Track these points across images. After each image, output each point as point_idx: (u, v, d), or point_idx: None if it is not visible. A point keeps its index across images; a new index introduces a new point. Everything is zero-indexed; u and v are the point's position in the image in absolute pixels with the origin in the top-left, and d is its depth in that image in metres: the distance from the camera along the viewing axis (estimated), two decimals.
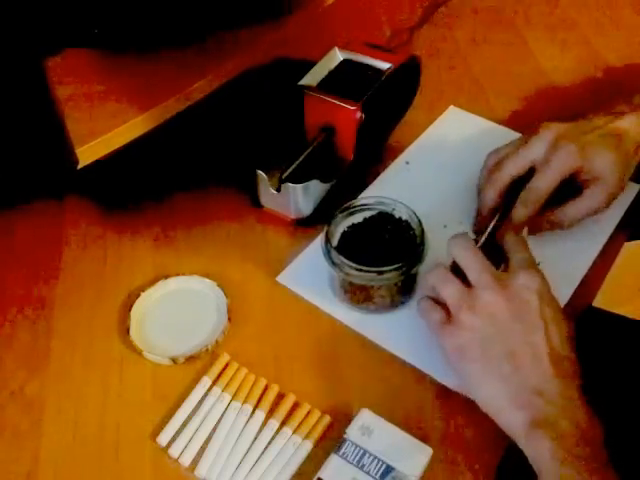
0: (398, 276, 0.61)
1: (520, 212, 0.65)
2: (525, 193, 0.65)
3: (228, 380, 0.60)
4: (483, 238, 0.66)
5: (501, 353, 0.53)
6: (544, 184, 0.64)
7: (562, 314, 0.56)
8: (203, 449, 0.57)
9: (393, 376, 0.61)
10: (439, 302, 0.59)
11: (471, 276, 0.57)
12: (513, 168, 0.67)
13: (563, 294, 0.65)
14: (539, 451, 0.49)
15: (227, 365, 0.62)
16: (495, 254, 0.61)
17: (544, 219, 0.67)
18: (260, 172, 0.70)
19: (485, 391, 0.54)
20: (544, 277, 0.56)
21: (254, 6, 0.80)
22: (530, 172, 0.66)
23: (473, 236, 0.62)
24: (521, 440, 0.51)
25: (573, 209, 0.66)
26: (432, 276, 0.59)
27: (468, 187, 0.74)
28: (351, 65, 0.74)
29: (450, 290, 0.57)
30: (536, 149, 0.66)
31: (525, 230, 0.68)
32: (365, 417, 0.56)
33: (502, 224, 0.65)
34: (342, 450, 0.54)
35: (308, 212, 0.72)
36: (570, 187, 0.66)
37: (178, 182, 0.78)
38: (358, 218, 0.66)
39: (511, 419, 0.52)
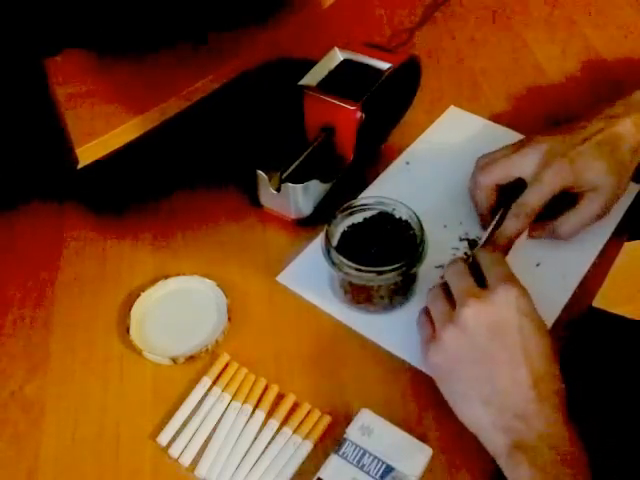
0: (398, 276, 0.61)
1: (511, 226, 0.65)
2: (516, 207, 0.65)
3: (228, 380, 0.60)
4: (483, 239, 0.66)
5: (481, 375, 0.53)
6: (535, 200, 0.64)
7: (543, 327, 0.55)
8: (203, 449, 0.57)
9: (393, 376, 0.61)
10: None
11: (455, 295, 0.56)
12: (499, 175, 0.67)
13: (563, 294, 0.65)
14: (519, 474, 0.50)
15: (227, 365, 0.62)
16: None
17: (543, 227, 0.68)
18: (260, 172, 0.70)
19: (467, 411, 0.54)
20: (523, 288, 0.55)
21: (254, 6, 0.80)
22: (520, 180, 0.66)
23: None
24: (501, 461, 0.51)
25: (569, 221, 0.66)
26: (429, 293, 0.59)
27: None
28: (351, 65, 0.74)
29: (437, 308, 0.57)
30: (526, 163, 0.66)
31: (525, 234, 0.68)
32: (365, 417, 0.56)
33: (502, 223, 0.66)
34: (342, 450, 0.54)
35: (308, 212, 0.72)
36: (567, 196, 0.66)
37: (178, 182, 0.78)
38: (358, 218, 0.66)
39: (493, 440, 0.52)
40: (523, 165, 0.66)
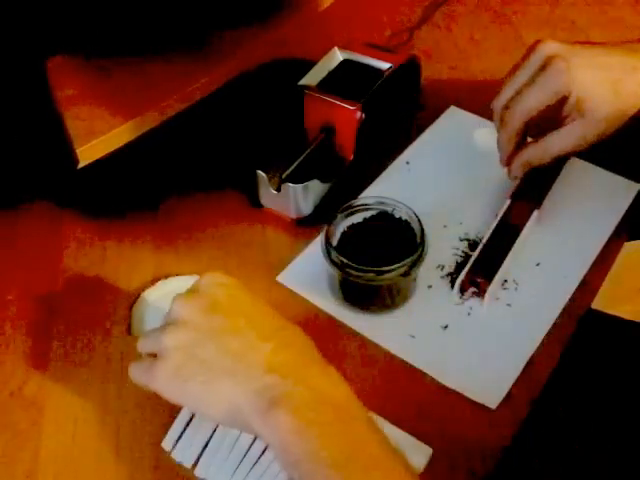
0: (398, 276, 0.61)
1: (501, 136, 0.63)
2: (507, 114, 0.63)
3: None
4: (486, 237, 0.66)
5: (214, 352, 0.50)
6: (526, 103, 0.62)
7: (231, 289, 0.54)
8: (203, 449, 0.57)
9: (393, 376, 0.61)
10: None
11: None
12: (508, 92, 0.65)
13: (563, 294, 0.65)
14: (277, 428, 0.46)
15: None
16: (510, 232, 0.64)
17: (523, 153, 0.66)
18: (260, 172, 0.70)
19: (219, 398, 0.49)
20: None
21: (253, 6, 0.80)
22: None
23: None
24: (261, 429, 0.47)
25: (551, 140, 0.64)
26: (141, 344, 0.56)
27: (468, 187, 0.74)
28: (351, 65, 0.74)
29: (148, 337, 0.55)
30: (526, 71, 0.63)
31: (504, 171, 0.68)
32: None
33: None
34: None
35: (308, 212, 0.72)
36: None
37: (178, 182, 0.78)
38: (358, 218, 0.66)
39: (251, 412, 0.47)
40: (525, 72, 0.63)
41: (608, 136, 0.63)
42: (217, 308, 0.52)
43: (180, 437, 0.57)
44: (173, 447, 0.57)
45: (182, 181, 0.78)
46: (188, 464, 0.56)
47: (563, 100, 0.62)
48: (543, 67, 0.62)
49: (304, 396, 0.47)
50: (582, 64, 0.61)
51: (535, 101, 0.63)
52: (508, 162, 0.68)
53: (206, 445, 0.57)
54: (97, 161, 0.69)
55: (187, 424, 0.58)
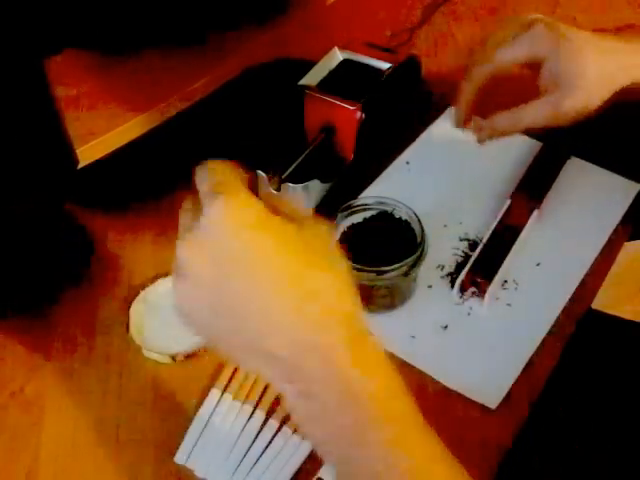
0: (398, 276, 0.61)
1: (461, 87, 0.59)
2: (475, 66, 0.60)
3: (227, 380, 0.60)
4: (487, 236, 0.66)
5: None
6: (499, 56, 0.59)
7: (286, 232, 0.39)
8: (203, 449, 0.57)
9: None
10: None
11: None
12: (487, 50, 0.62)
13: (563, 294, 0.65)
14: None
15: (226, 364, 0.62)
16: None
17: (493, 119, 0.62)
18: (260, 172, 0.70)
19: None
20: (236, 194, 0.40)
21: (253, 5, 0.80)
22: None
23: None
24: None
25: (524, 110, 0.61)
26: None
27: (468, 187, 0.74)
28: (351, 65, 0.74)
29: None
30: (509, 31, 0.61)
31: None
32: None
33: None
34: None
35: (308, 212, 0.72)
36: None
37: (178, 181, 0.78)
38: (358, 218, 0.66)
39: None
40: (507, 32, 0.60)
41: (585, 116, 0.60)
42: (233, 267, 0.39)
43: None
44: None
45: (183, 180, 0.78)
46: (186, 462, 0.56)
47: (536, 71, 0.59)
48: (527, 27, 0.60)
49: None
50: (566, 35, 0.59)
51: (510, 56, 0.60)
52: (466, 119, 0.64)
53: (206, 445, 0.57)
54: (97, 161, 0.68)
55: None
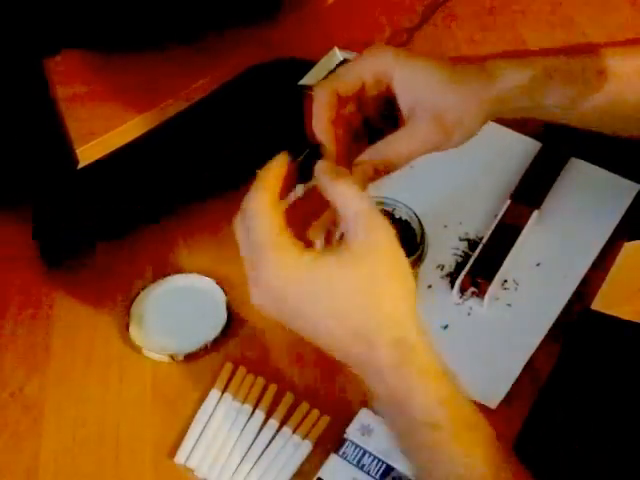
0: None
1: (315, 112, 0.51)
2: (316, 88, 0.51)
3: (227, 380, 0.60)
4: (487, 236, 0.66)
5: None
6: (338, 71, 0.51)
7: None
8: (203, 449, 0.57)
9: None
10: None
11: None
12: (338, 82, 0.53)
13: (563, 294, 0.65)
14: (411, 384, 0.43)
15: (225, 364, 0.62)
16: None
17: (369, 161, 0.54)
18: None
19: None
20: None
21: (252, 4, 0.80)
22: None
23: None
24: (389, 380, 0.43)
25: (394, 140, 0.54)
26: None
27: (468, 187, 0.74)
28: None
29: (242, 248, 0.49)
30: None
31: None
32: (365, 417, 0.56)
33: None
34: (342, 450, 0.54)
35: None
36: None
37: (178, 181, 0.78)
38: None
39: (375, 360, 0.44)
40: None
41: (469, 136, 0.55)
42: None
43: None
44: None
45: (182, 180, 0.78)
46: (186, 462, 0.56)
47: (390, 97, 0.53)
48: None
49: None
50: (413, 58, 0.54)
51: (351, 68, 0.52)
52: (337, 154, 0.55)
53: (206, 445, 0.57)
54: (97, 161, 0.68)
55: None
